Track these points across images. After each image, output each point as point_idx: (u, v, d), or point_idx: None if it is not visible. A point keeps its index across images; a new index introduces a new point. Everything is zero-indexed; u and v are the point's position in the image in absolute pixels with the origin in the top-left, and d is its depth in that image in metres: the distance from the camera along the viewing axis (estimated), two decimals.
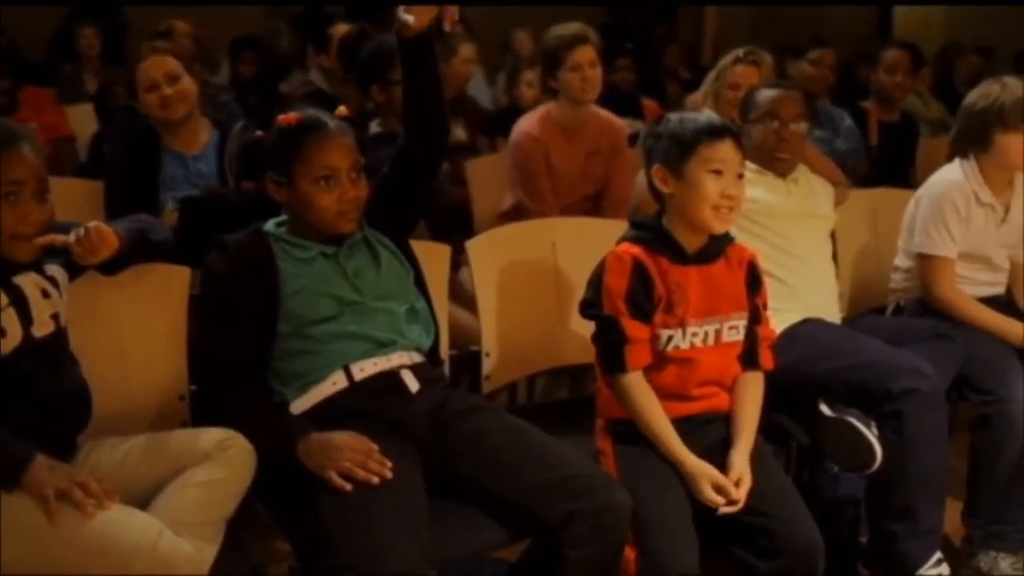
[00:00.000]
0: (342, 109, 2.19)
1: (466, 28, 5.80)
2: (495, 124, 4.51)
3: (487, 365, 2.51)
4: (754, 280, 2.23)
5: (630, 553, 1.98)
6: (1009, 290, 2.97)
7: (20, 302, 1.89)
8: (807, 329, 2.56)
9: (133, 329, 2.12)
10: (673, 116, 2.15)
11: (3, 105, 3.96)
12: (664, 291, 2.12)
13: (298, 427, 2.00)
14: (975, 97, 2.86)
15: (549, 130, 3.39)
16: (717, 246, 2.18)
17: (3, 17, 7.30)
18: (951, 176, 2.87)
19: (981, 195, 2.83)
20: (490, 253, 2.55)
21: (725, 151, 2.09)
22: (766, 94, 2.77)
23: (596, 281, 2.16)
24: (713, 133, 2.09)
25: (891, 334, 2.65)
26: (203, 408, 2.19)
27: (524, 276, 2.59)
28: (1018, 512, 2.62)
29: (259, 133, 2.15)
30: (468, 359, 2.55)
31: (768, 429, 2.44)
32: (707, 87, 3.46)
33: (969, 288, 2.88)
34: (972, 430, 2.67)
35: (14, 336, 1.88)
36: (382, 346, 2.10)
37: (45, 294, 1.94)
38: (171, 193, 3.01)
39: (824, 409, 2.42)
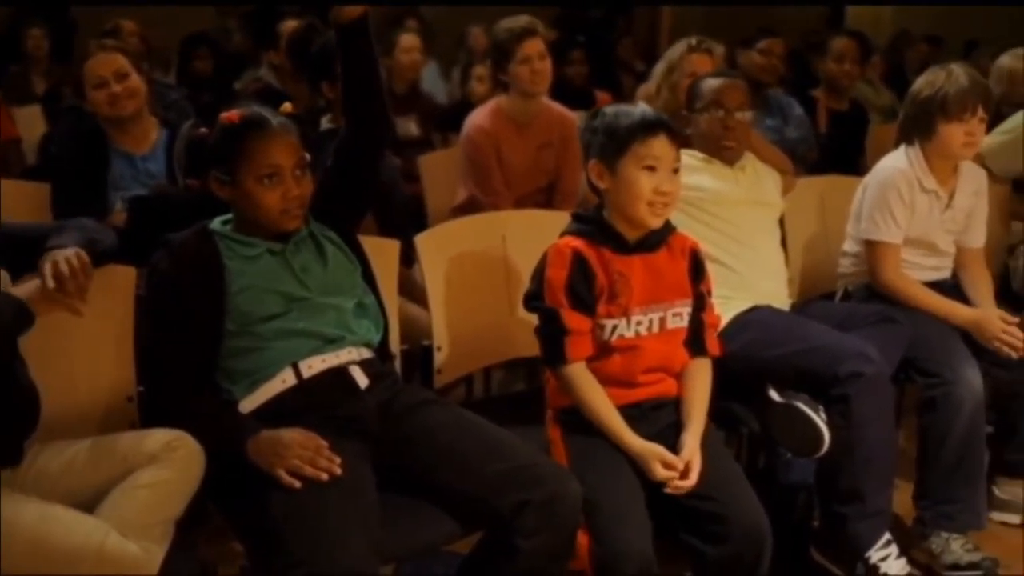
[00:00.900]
0: (287, 106, 2.18)
1: (420, 24, 5.81)
2: (448, 119, 4.51)
3: (439, 359, 2.52)
4: (697, 268, 2.25)
5: (583, 540, 2.00)
6: (955, 274, 3.03)
7: None
8: (756, 316, 2.59)
9: (79, 330, 2.09)
10: (608, 110, 2.16)
11: None
12: (606, 281, 2.14)
13: (247, 426, 1.99)
14: (921, 84, 2.90)
15: (500, 123, 3.40)
16: (659, 235, 2.20)
17: None
18: (896, 163, 2.90)
19: (925, 182, 2.87)
20: (439, 247, 2.55)
21: (659, 147, 2.09)
22: (711, 83, 2.80)
23: (538, 274, 2.17)
24: (646, 129, 2.09)
25: (838, 319, 2.69)
26: (152, 409, 2.17)
27: (474, 269, 2.60)
28: (966, 491, 2.67)
29: (203, 131, 2.14)
30: (420, 354, 2.55)
31: (719, 415, 2.47)
32: (659, 78, 3.47)
33: (915, 273, 2.92)
34: (919, 413, 2.72)
35: None
36: (331, 342, 2.10)
37: None
38: (119, 193, 2.99)
39: (773, 395, 2.45)
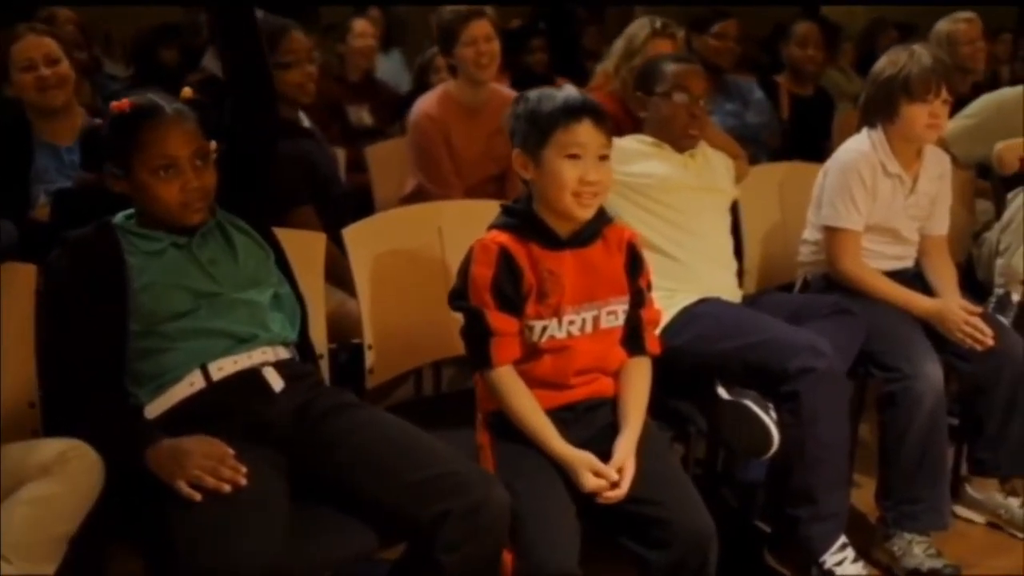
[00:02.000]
0: (186, 91, 2.05)
1: (383, 14, 5.67)
2: (404, 108, 4.37)
3: (370, 358, 2.38)
4: (634, 262, 2.11)
5: (507, 554, 1.87)
6: (918, 263, 2.91)
7: None
8: (703, 309, 2.47)
9: None
10: (532, 95, 2.01)
11: None
12: (535, 280, 2.00)
13: (146, 434, 1.86)
14: (883, 64, 2.77)
15: (448, 109, 3.26)
16: (593, 228, 2.06)
17: None
18: (858, 147, 2.78)
19: (888, 166, 2.75)
20: (370, 240, 2.41)
21: (583, 133, 1.95)
22: (673, 68, 2.67)
23: (463, 271, 2.03)
24: (569, 114, 1.94)
25: (792, 311, 2.57)
26: (55, 416, 2.04)
27: (409, 263, 2.47)
28: (928, 490, 2.55)
29: (97, 121, 2.00)
30: (351, 352, 2.42)
31: (665, 413, 2.35)
32: (618, 59, 3.31)
33: (876, 262, 2.80)
34: (878, 408, 2.61)
35: None
36: (242, 342, 1.97)
37: None
38: (44, 186, 2.84)
39: (721, 392, 2.33)
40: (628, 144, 2.64)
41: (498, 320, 1.99)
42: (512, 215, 2.06)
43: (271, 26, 2.94)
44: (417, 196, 3.25)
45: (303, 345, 2.13)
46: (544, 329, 2.01)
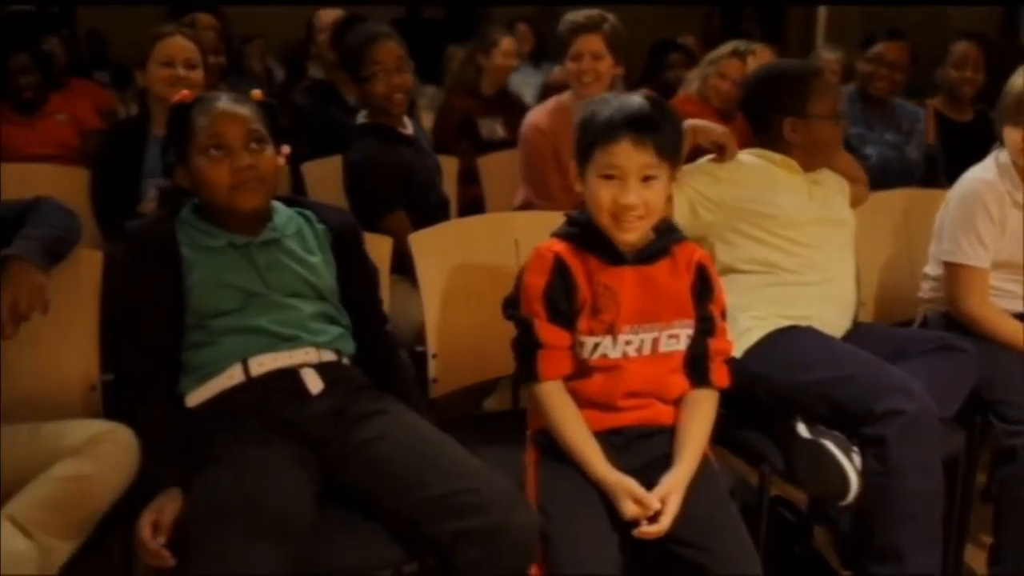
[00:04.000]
0: (256, 93, 2.05)
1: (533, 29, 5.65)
2: None
3: (434, 368, 2.32)
4: (704, 285, 1.96)
5: None
6: None
7: None
8: (790, 336, 2.26)
9: (39, 315, 2.01)
10: (595, 103, 1.88)
11: (31, 99, 3.97)
12: (589, 294, 1.89)
13: (168, 476, 1.82)
14: (1017, 79, 2.52)
15: (560, 121, 3.17)
16: (660, 245, 1.93)
17: (96, 18, 7.63)
18: (983, 174, 2.54)
19: (1016, 195, 2.48)
20: (440, 248, 2.36)
21: (620, 154, 1.81)
22: (809, 83, 2.45)
23: (518, 278, 1.95)
24: (607, 132, 1.81)
25: (895, 346, 2.33)
26: (115, 400, 2.08)
27: (482, 274, 2.39)
28: None
29: None
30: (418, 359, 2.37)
31: (737, 445, 2.20)
32: (703, 65, 3.48)
33: (1005, 302, 2.54)
34: (994, 463, 2.35)
35: None
36: (284, 340, 1.95)
37: None
38: (153, 181, 2.93)
39: (800, 429, 2.13)
40: (754, 168, 2.43)
41: (548, 332, 1.89)
42: (574, 225, 1.96)
43: (359, 36, 2.95)
44: (525, 209, 3.19)
45: (384, 350, 2.12)
46: (596, 346, 1.90)
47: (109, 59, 7.25)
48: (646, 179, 1.83)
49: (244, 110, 1.96)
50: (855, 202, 2.64)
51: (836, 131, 2.45)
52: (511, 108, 4.46)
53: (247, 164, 1.92)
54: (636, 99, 1.86)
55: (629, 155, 1.81)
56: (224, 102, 1.96)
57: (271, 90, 4.88)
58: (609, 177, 1.83)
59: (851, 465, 2.06)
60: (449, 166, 3.35)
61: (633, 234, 1.87)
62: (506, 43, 4.46)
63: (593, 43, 3.07)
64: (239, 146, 1.93)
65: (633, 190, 1.82)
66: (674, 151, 1.89)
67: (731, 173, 2.40)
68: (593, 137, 1.83)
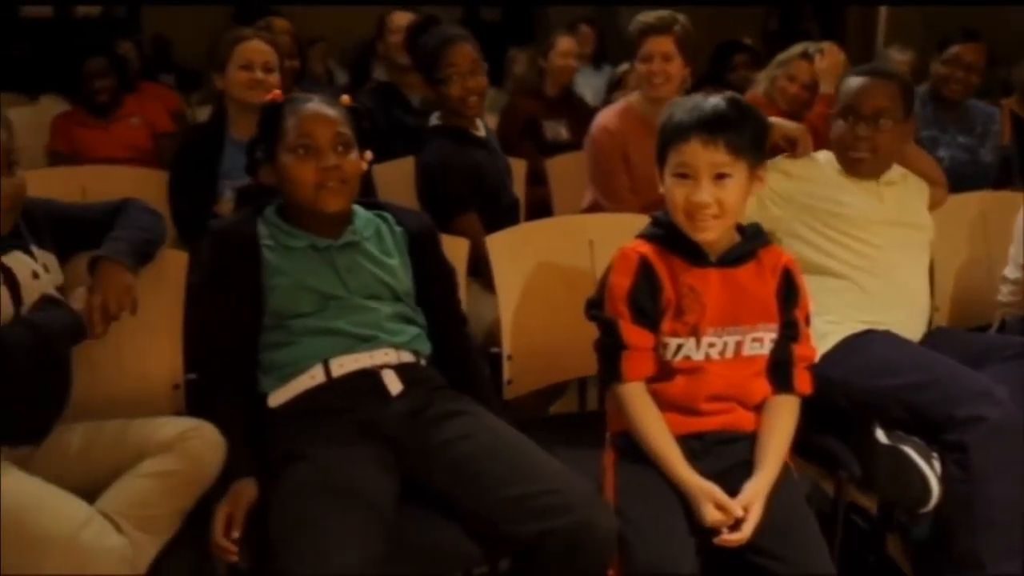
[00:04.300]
0: (345, 98, 2.08)
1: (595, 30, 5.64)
2: None
3: (509, 369, 2.34)
4: (790, 289, 1.95)
5: None
6: None
7: (11, 282, 1.87)
8: (867, 340, 2.25)
9: (128, 315, 2.05)
10: (675, 104, 1.90)
11: (106, 102, 4.06)
12: (674, 295, 1.89)
13: (243, 467, 1.87)
14: None
15: (628, 124, 3.16)
16: (746, 247, 1.93)
17: (159, 21, 7.76)
18: None
19: None
20: (516, 249, 2.37)
21: (689, 153, 1.82)
22: (849, 83, 2.45)
23: (602, 279, 1.96)
24: (678, 132, 1.83)
25: (975, 352, 2.30)
26: (196, 398, 2.12)
27: (557, 276, 2.40)
28: None
29: None
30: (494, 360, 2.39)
31: (812, 451, 2.18)
32: (771, 67, 3.51)
33: None
34: None
35: (6, 314, 1.86)
36: (364, 341, 1.98)
37: (35, 275, 1.92)
38: (230, 182, 2.98)
39: (879, 435, 2.11)
40: (825, 166, 2.45)
41: (632, 333, 1.90)
42: (658, 226, 1.97)
43: (435, 39, 2.97)
44: (593, 211, 3.19)
45: (464, 351, 2.15)
46: (679, 348, 1.90)
47: (173, 62, 7.38)
48: (719, 177, 1.84)
49: (333, 112, 2.00)
50: (934, 205, 2.61)
51: (843, 127, 2.41)
52: (575, 110, 4.46)
53: (333, 165, 1.95)
54: (712, 99, 1.87)
55: (698, 154, 1.82)
56: (315, 103, 2.00)
57: (333, 93, 4.94)
58: (682, 176, 1.84)
59: (932, 471, 2.04)
60: (518, 168, 3.36)
61: (709, 233, 1.87)
62: (563, 43, 4.47)
63: (664, 44, 3.06)
64: (326, 147, 1.96)
65: (705, 188, 1.83)
66: (752, 149, 1.88)
67: (802, 170, 2.43)
68: (667, 138, 1.86)
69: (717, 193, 1.83)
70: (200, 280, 2.06)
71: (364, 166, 2.05)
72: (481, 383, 2.14)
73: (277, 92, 2.05)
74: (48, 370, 1.90)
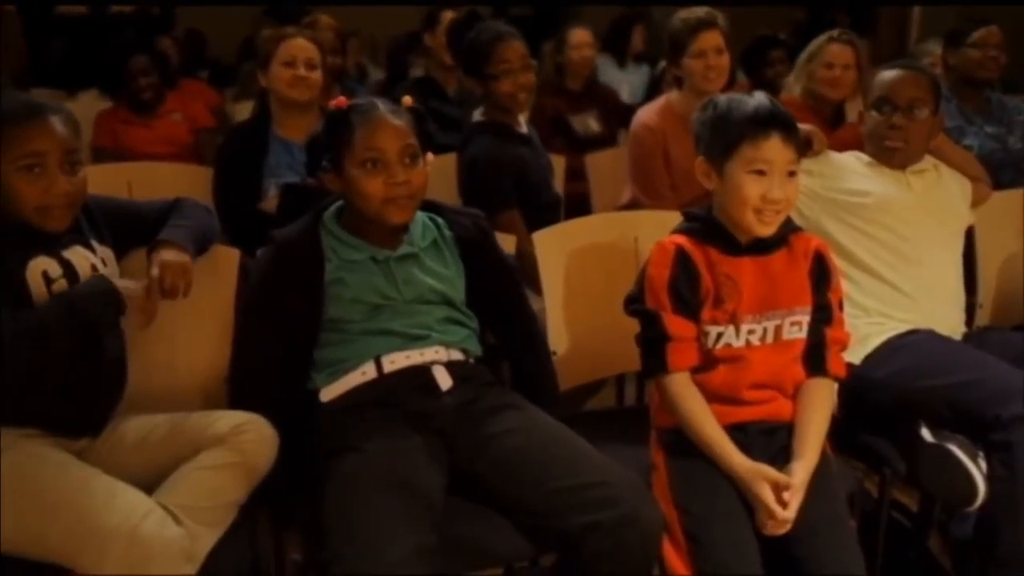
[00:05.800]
0: (407, 99, 2.08)
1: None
2: (628, 115, 4.31)
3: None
4: (822, 273, 1.98)
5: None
6: None
7: (72, 276, 1.90)
8: (911, 340, 2.27)
9: (182, 309, 2.06)
10: (721, 101, 1.92)
11: (149, 99, 4.10)
12: (712, 284, 1.92)
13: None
14: None
15: (669, 121, 3.17)
16: (778, 234, 1.95)
17: (192, 18, 7.83)
18: None
19: None
20: (561, 246, 2.39)
21: (770, 150, 1.85)
22: (884, 75, 2.49)
23: (641, 274, 1.98)
24: (758, 127, 1.85)
25: (1017, 351, 2.31)
26: (234, 397, 2.11)
27: (602, 272, 2.41)
28: None
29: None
30: None
31: (859, 449, 2.18)
32: (800, 66, 3.41)
33: None
34: None
35: None
36: (415, 339, 2.00)
37: (94, 269, 1.96)
38: (274, 179, 3.01)
39: (925, 434, 2.12)
40: (844, 160, 2.48)
41: (675, 323, 1.92)
42: (692, 220, 2.00)
43: (486, 35, 2.99)
44: (632, 207, 3.20)
45: (536, 346, 2.19)
46: (720, 336, 1.92)
47: (207, 58, 7.43)
48: (790, 174, 1.87)
49: (401, 123, 1.97)
50: (977, 201, 2.62)
51: (879, 118, 2.44)
52: (602, 100, 4.47)
53: (402, 180, 1.95)
54: (763, 97, 1.89)
55: (778, 150, 1.85)
56: (382, 113, 1.97)
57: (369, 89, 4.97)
58: (759, 172, 1.86)
59: (978, 470, 2.04)
60: (557, 164, 3.37)
61: (771, 228, 1.91)
62: (575, 36, 4.46)
63: (716, 39, 3.07)
64: (395, 160, 1.95)
65: (779, 185, 1.86)
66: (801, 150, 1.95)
67: (822, 167, 2.48)
68: (738, 132, 1.86)
69: (787, 190, 1.88)
70: (255, 290, 2.05)
71: (428, 171, 2.03)
72: (547, 376, 2.18)
73: (342, 99, 2.01)
74: (100, 361, 1.93)
